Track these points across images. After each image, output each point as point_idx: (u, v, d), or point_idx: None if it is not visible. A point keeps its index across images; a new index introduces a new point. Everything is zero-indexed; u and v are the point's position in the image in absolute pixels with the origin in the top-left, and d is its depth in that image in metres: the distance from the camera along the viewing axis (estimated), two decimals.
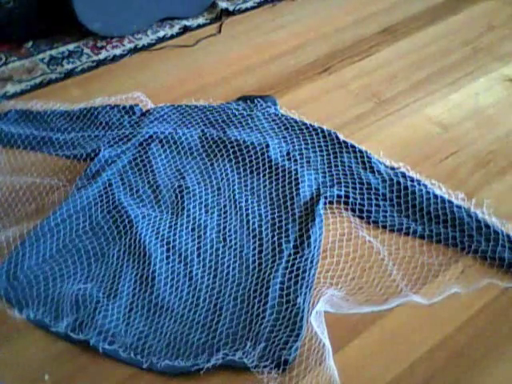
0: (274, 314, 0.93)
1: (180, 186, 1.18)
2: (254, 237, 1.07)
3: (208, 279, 1.00)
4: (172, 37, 1.71)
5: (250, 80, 1.50)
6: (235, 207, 1.13)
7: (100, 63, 1.60)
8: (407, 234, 1.07)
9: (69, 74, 1.56)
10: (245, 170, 1.21)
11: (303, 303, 0.94)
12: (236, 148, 1.25)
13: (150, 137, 1.29)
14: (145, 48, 1.66)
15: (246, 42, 1.67)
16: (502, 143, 1.27)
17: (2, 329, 0.95)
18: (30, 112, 1.38)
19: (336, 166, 1.20)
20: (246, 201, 1.14)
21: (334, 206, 1.13)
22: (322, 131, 1.27)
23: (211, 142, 1.27)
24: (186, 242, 1.07)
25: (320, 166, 1.20)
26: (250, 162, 1.22)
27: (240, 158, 1.23)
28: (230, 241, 1.07)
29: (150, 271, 1.01)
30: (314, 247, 1.03)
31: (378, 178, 1.16)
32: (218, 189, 1.17)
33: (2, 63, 1.60)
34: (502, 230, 1.04)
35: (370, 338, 0.91)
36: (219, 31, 1.73)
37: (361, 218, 1.10)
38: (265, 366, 0.87)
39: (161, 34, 1.72)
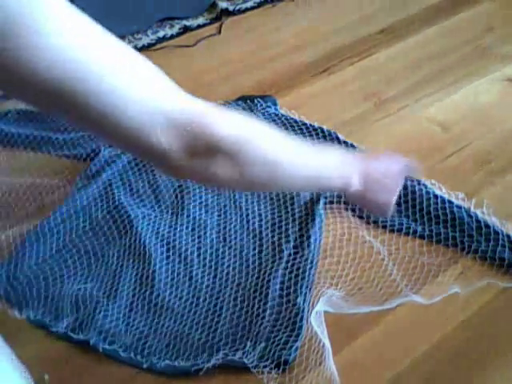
0: (273, 314, 0.93)
1: (180, 186, 1.18)
2: (254, 237, 1.07)
3: (208, 279, 1.00)
4: (172, 37, 1.71)
5: (249, 80, 1.50)
6: (235, 207, 1.13)
7: None
8: (407, 234, 1.07)
9: None
10: None
11: (303, 303, 0.94)
12: None
13: None
14: (145, 48, 1.66)
15: (245, 42, 1.67)
16: (502, 143, 1.27)
17: (2, 329, 0.95)
18: (30, 112, 1.39)
19: None
20: (246, 201, 1.14)
21: (334, 206, 1.13)
22: (322, 131, 1.27)
23: None
24: (186, 242, 1.07)
25: None
26: None
27: None
28: (230, 241, 1.07)
29: (150, 271, 1.01)
30: (314, 247, 1.03)
31: None
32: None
33: None
34: (502, 230, 1.04)
35: (370, 338, 0.91)
36: (219, 31, 1.73)
37: (361, 218, 1.10)
38: (265, 366, 0.87)
39: (161, 34, 1.72)
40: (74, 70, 0.40)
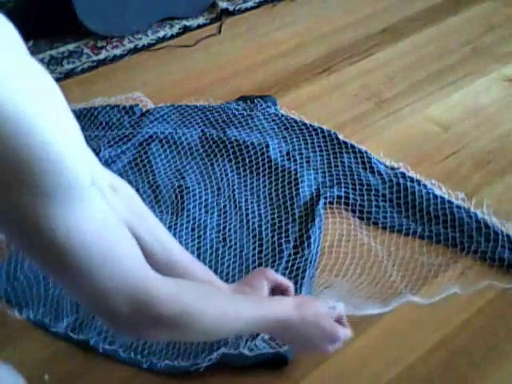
0: None
1: (180, 186, 1.18)
2: (254, 237, 1.07)
3: None
4: (172, 37, 1.71)
5: (249, 80, 1.50)
6: (235, 207, 1.13)
7: (100, 63, 1.60)
8: (407, 234, 1.07)
9: (69, 74, 1.56)
10: (245, 170, 1.21)
11: None
12: (236, 148, 1.25)
13: (150, 137, 1.29)
14: (145, 48, 1.66)
15: (245, 42, 1.67)
16: (502, 143, 1.27)
17: (2, 329, 0.95)
18: None
19: (336, 166, 1.20)
20: (246, 201, 1.14)
21: (334, 206, 1.13)
22: (322, 131, 1.27)
23: (211, 142, 1.27)
24: (185, 242, 1.07)
25: (320, 166, 1.20)
26: (250, 162, 1.22)
27: (240, 158, 1.23)
28: (230, 241, 1.07)
29: None
30: (314, 247, 1.03)
31: (377, 179, 1.16)
32: (218, 189, 1.17)
33: None
34: (502, 230, 1.04)
35: (371, 338, 0.91)
36: (219, 31, 1.73)
37: (361, 218, 1.10)
38: (265, 365, 0.87)
39: (161, 34, 1.72)
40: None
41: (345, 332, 0.74)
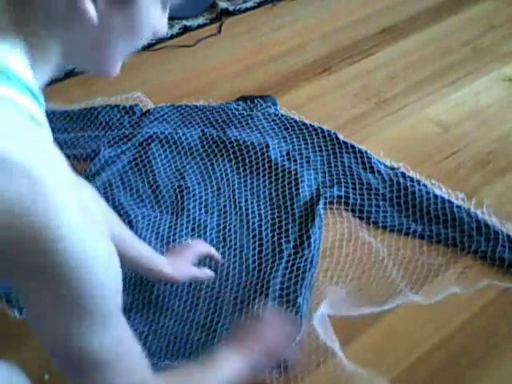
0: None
1: (180, 186, 1.18)
2: (254, 237, 1.07)
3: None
4: (172, 37, 1.71)
5: (249, 80, 1.50)
6: (235, 207, 1.13)
7: None
8: (407, 234, 1.07)
9: (69, 74, 1.55)
10: (245, 170, 1.21)
11: (303, 303, 0.94)
12: (236, 148, 1.25)
13: (150, 137, 1.29)
14: (145, 48, 1.66)
15: (245, 42, 1.67)
16: (502, 143, 1.27)
17: (2, 329, 0.95)
18: None
19: (336, 166, 1.20)
20: (246, 201, 1.14)
21: (334, 206, 1.13)
22: (322, 131, 1.27)
23: (211, 142, 1.27)
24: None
25: (320, 166, 1.20)
26: (250, 162, 1.22)
27: (240, 158, 1.23)
28: (230, 241, 1.07)
29: None
30: (314, 247, 1.03)
31: (377, 179, 1.16)
32: (218, 189, 1.17)
33: None
34: (502, 230, 1.04)
35: (370, 338, 0.91)
36: (219, 31, 1.73)
37: (361, 218, 1.10)
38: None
39: None
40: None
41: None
